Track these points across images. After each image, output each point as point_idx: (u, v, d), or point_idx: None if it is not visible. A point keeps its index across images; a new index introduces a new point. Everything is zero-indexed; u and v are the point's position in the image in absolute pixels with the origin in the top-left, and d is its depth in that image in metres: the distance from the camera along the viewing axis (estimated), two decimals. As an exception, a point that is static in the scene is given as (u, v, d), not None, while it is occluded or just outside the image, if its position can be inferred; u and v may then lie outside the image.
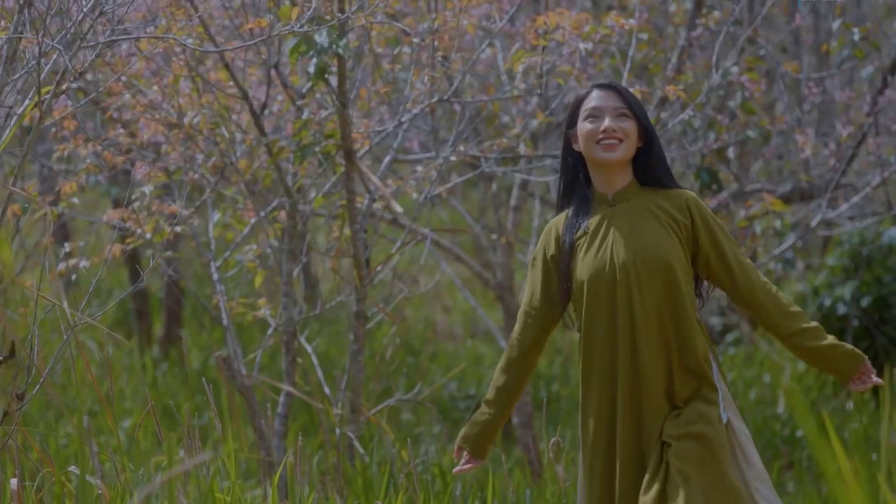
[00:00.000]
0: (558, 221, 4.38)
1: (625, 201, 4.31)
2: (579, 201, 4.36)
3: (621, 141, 4.27)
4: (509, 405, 4.47)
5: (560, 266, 4.33)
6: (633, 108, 4.31)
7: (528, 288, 4.41)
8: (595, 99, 4.33)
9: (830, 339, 4.28)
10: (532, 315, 4.39)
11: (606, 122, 4.27)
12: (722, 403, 4.24)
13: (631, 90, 6.42)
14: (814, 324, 4.29)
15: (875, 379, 4.28)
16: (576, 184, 4.39)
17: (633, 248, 4.23)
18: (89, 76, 6.74)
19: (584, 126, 4.31)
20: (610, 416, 4.25)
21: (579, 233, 4.31)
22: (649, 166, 4.34)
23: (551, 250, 4.36)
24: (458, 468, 4.52)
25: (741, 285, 4.29)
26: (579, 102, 4.36)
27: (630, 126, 4.29)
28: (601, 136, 4.27)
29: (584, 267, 4.26)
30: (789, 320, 4.28)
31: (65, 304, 4.35)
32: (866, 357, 4.29)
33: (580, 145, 4.34)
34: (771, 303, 4.29)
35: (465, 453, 4.51)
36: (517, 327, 4.43)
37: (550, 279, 4.36)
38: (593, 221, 4.31)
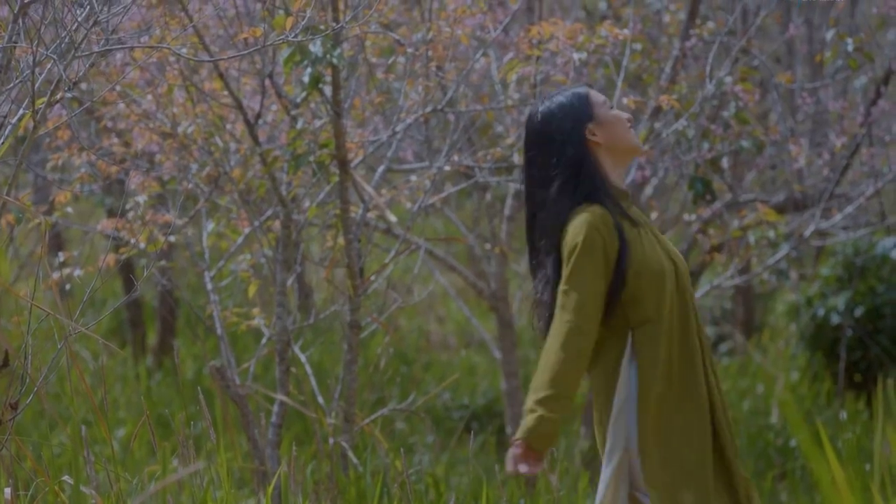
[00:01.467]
0: (604, 214, 4.10)
1: (632, 204, 4.25)
2: (608, 195, 4.16)
3: None
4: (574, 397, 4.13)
5: (621, 259, 4.08)
6: None
7: (593, 276, 4.06)
8: (597, 95, 4.25)
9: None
10: (599, 300, 4.08)
11: (627, 114, 4.24)
12: None
13: (625, 100, 6.47)
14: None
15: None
16: (602, 180, 4.18)
17: (674, 254, 4.21)
18: (84, 86, 6.74)
19: (615, 114, 4.21)
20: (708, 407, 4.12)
21: (626, 224, 4.13)
22: None
23: (614, 242, 4.08)
24: (528, 469, 4.02)
25: None
26: (586, 96, 4.23)
27: None
28: (629, 124, 4.22)
29: (652, 257, 4.09)
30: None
31: (61, 314, 4.35)
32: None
33: (608, 135, 4.19)
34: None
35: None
36: (589, 312, 4.05)
37: (607, 273, 4.08)
38: (633, 213, 4.17)
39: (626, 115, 4.22)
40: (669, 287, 4.09)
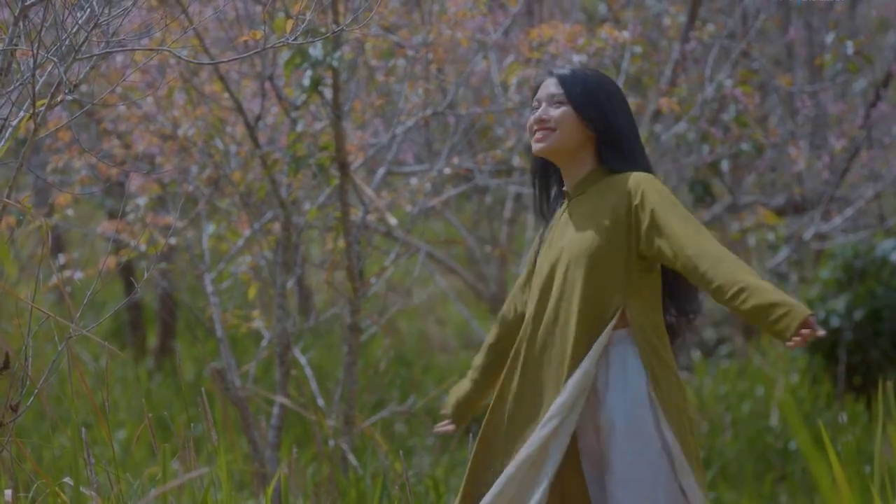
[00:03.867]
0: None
1: (581, 193, 4.09)
2: (555, 196, 4.24)
3: (553, 130, 4.06)
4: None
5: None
6: (571, 96, 4.07)
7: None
8: (539, 89, 4.15)
9: (771, 295, 3.76)
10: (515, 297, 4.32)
11: (538, 113, 4.09)
12: None
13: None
14: (760, 283, 3.77)
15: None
16: (549, 181, 4.24)
17: (568, 243, 4.03)
18: (84, 88, 6.74)
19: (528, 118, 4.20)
20: None
21: (550, 225, 4.19)
22: (605, 153, 4.08)
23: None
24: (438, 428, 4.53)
25: (677, 250, 3.88)
26: (532, 93, 4.21)
27: (560, 113, 4.06)
28: (535, 127, 4.09)
29: (541, 259, 4.14)
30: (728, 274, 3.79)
31: (61, 316, 4.35)
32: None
33: None
34: (708, 262, 3.83)
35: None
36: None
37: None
38: (557, 215, 4.16)
39: (532, 117, 4.13)
40: (532, 290, 4.13)
